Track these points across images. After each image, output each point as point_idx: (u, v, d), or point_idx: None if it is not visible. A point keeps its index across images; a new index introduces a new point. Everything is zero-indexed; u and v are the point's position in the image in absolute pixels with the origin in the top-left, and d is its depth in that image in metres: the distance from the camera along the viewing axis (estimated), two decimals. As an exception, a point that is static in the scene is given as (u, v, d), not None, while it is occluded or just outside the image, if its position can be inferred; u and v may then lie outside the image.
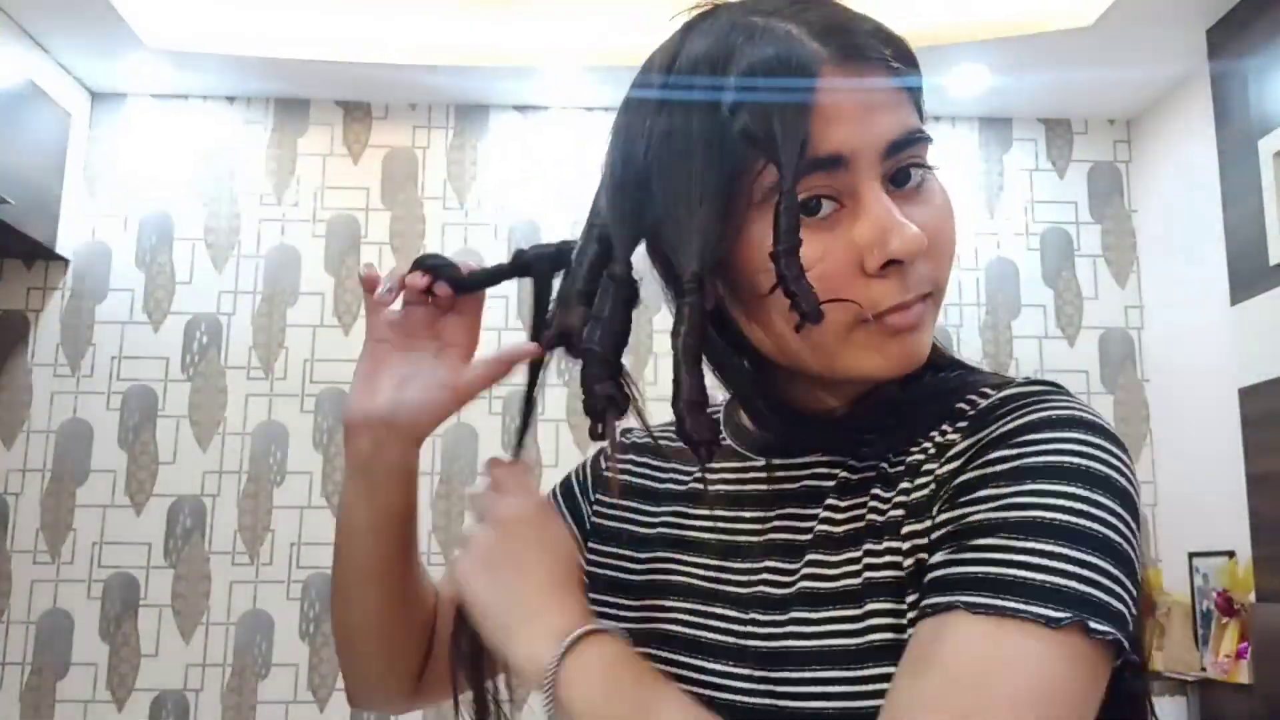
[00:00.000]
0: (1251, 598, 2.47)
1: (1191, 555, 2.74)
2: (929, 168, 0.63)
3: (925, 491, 0.59)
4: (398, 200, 3.14)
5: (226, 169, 3.13)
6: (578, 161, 3.13)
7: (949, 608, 0.53)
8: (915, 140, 0.62)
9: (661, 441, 0.78)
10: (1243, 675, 2.49)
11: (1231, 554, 2.59)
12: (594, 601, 0.78)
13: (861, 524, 0.62)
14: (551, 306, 0.70)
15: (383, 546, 0.76)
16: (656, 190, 0.62)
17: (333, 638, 0.83)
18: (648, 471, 0.79)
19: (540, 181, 3.14)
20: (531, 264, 0.72)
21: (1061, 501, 0.54)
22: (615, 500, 0.80)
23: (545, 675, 0.60)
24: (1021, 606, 0.52)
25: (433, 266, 0.74)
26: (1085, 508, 0.54)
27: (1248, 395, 2.45)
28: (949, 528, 0.56)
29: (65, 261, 3.03)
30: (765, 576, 0.65)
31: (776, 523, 0.67)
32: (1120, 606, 0.53)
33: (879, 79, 0.61)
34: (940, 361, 0.68)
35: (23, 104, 2.75)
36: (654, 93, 0.63)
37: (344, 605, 0.79)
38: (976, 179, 3.18)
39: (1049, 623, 0.51)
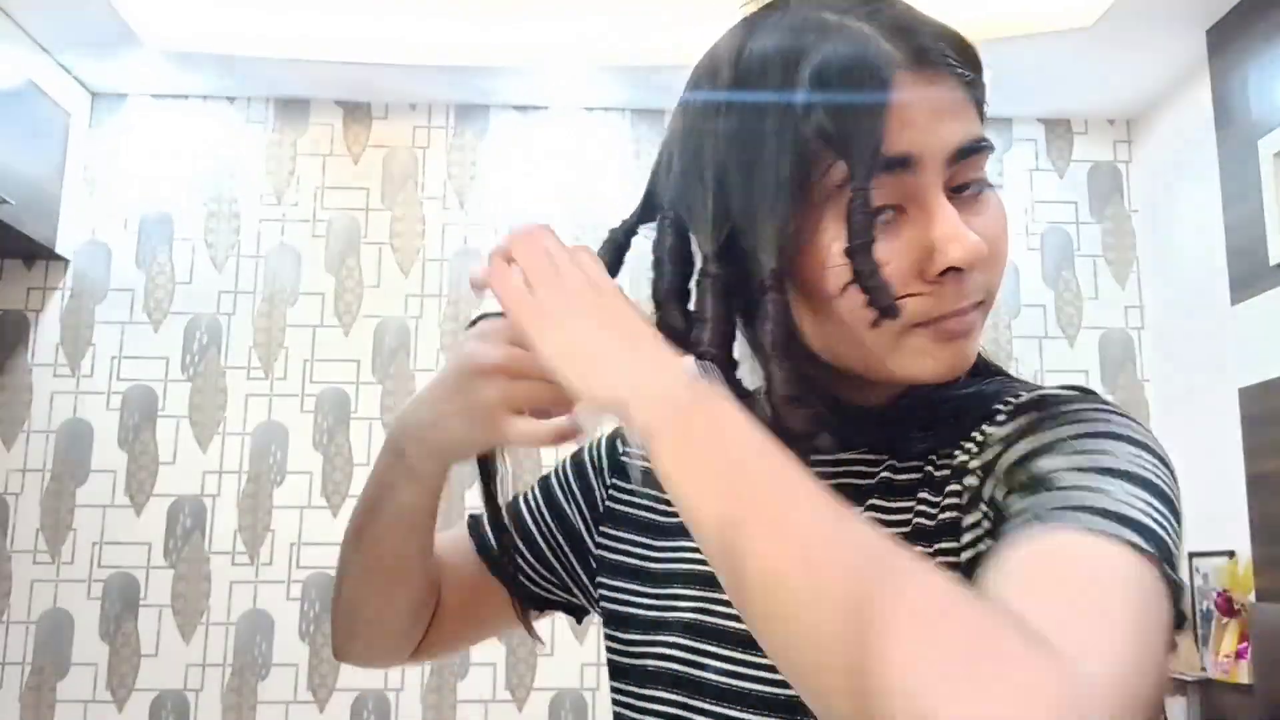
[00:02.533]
0: (1251, 598, 2.47)
1: (1192, 555, 2.74)
2: (987, 179, 0.64)
3: (973, 480, 0.59)
4: (398, 200, 3.14)
5: (226, 169, 3.13)
6: (578, 161, 3.13)
7: (1028, 526, 0.49)
8: (980, 149, 0.62)
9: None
10: (1243, 675, 2.49)
11: (1231, 554, 2.59)
12: (609, 587, 0.78)
13: (908, 528, 0.62)
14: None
15: (424, 527, 0.76)
16: (730, 185, 0.62)
17: (336, 607, 0.81)
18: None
19: (540, 181, 3.14)
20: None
21: (1134, 458, 0.53)
22: (634, 487, 0.80)
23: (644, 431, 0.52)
24: (1109, 527, 0.48)
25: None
26: (1155, 468, 0.54)
27: (1248, 395, 2.45)
28: (1020, 479, 0.54)
29: (65, 261, 3.03)
30: None
31: None
32: (1180, 567, 0.51)
33: (948, 84, 0.61)
34: (979, 363, 0.68)
35: (23, 104, 2.75)
36: (721, 90, 0.63)
37: (367, 581, 0.78)
38: (976, 179, 3.18)
39: (1135, 548, 0.48)
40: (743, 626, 0.66)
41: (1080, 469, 0.52)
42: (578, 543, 0.83)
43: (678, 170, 0.66)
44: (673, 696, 0.69)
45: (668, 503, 0.76)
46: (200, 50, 2.88)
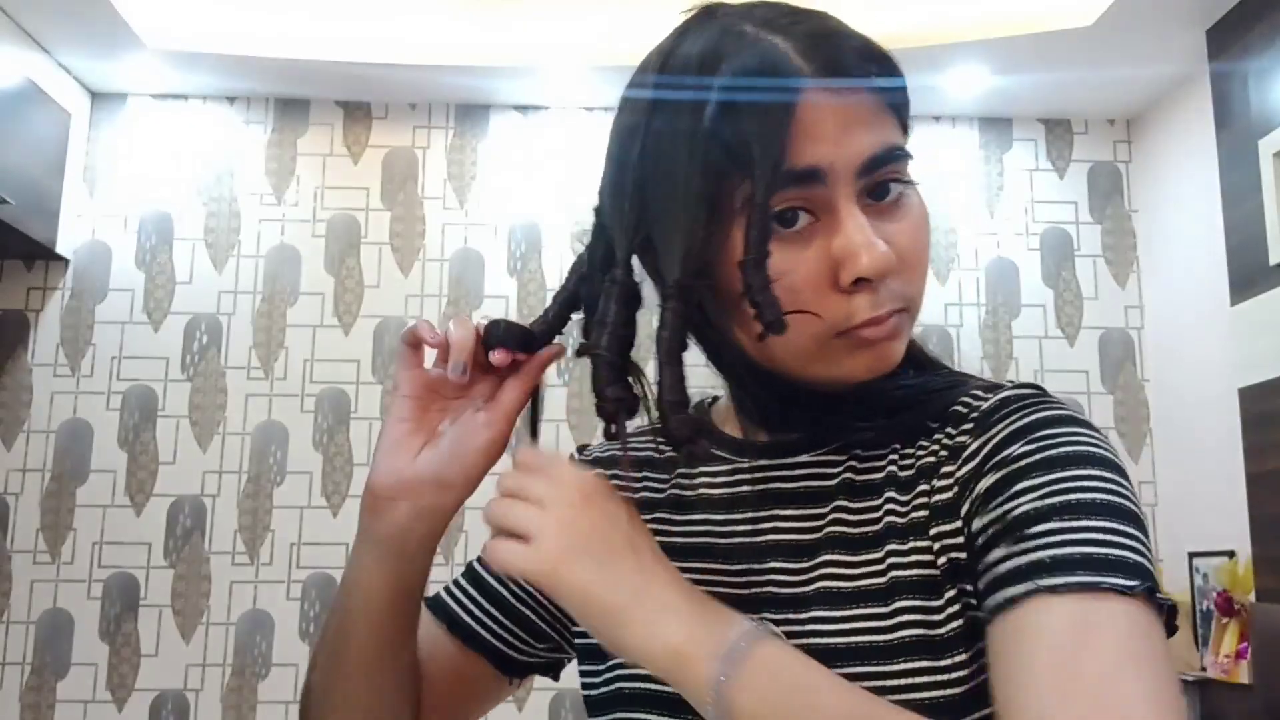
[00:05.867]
0: (1251, 598, 2.47)
1: (1191, 555, 2.74)
2: (908, 183, 0.64)
3: (949, 495, 0.61)
4: (398, 200, 3.14)
5: (226, 169, 3.13)
6: (578, 161, 3.13)
7: (1028, 595, 0.54)
8: (894, 157, 0.62)
9: (631, 452, 0.78)
10: (1243, 675, 2.49)
11: (1231, 554, 2.59)
12: (578, 622, 0.77)
13: (879, 526, 0.63)
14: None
15: (399, 624, 0.71)
16: (648, 193, 0.63)
17: (309, 700, 0.74)
18: (617, 484, 0.77)
19: (540, 181, 3.14)
20: (584, 295, 0.68)
21: (1096, 484, 0.57)
22: None
23: (711, 690, 0.55)
24: (1098, 579, 0.53)
25: (505, 338, 0.68)
26: (1116, 487, 0.57)
27: (1248, 395, 2.45)
28: (995, 527, 0.58)
29: (65, 261, 3.03)
30: (772, 577, 0.66)
31: (776, 523, 0.67)
32: (1160, 580, 0.56)
33: (860, 96, 0.61)
34: (919, 357, 0.69)
35: (23, 104, 2.75)
36: (647, 94, 0.64)
37: (345, 680, 0.72)
38: (976, 179, 3.18)
39: (1126, 590, 0.53)
40: None
41: (1060, 512, 0.56)
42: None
43: (606, 174, 0.67)
44: (629, 715, 0.68)
45: None
46: (200, 50, 2.88)
